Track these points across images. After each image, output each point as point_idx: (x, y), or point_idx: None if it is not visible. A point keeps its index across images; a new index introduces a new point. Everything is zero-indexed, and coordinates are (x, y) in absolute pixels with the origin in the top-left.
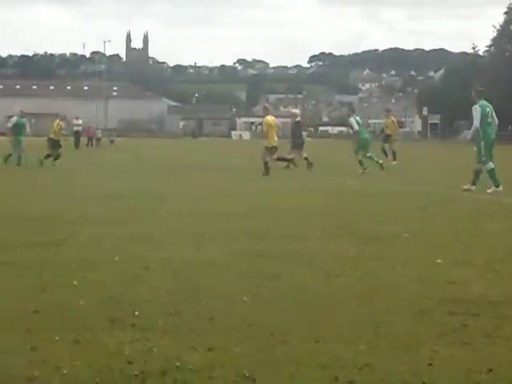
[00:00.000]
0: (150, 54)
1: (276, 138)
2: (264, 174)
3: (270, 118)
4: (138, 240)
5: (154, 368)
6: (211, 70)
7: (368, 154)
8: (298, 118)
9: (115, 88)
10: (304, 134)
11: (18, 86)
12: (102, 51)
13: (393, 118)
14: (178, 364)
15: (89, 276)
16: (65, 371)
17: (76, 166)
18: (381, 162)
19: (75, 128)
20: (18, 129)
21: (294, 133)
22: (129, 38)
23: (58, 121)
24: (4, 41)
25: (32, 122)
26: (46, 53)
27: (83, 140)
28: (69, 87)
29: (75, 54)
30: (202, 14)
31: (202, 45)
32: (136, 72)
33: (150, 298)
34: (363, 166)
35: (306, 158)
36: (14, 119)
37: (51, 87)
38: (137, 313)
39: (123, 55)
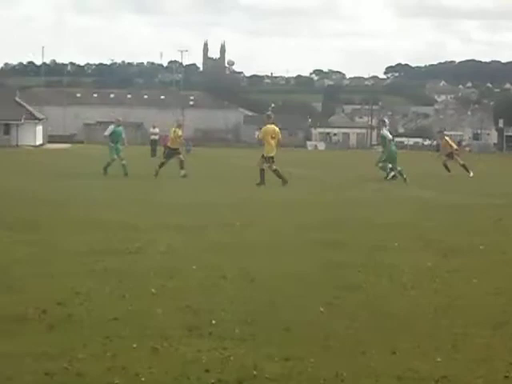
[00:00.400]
0: (227, 64)
1: (275, 148)
2: (259, 183)
3: (269, 127)
4: (216, 249)
5: (231, 377)
6: (287, 80)
7: (398, 168)
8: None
9: (192, 97)
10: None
11: (95, 95)
12: (179, 60)
13: (446, 138)
14: (254, 373)
15: (167, 284)
16: (143, 378)
17: (153, 174)
18: (405, 176)
19: (152, 137)
20: (115, 137)
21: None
22: (206, 48)
23: (174, 128)
24: (82, 49)
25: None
26: (123, 61)
27: (160, 149)
28: (146, 96)
29: (152, 63)
30: (278, 23)
31: (278, 55)
32: (213, 81)
33: (228, 307)
34: (386, 171)
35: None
36: (111, 128)
37: (128, 96)
38: (214, 321)
39: (200, 65)
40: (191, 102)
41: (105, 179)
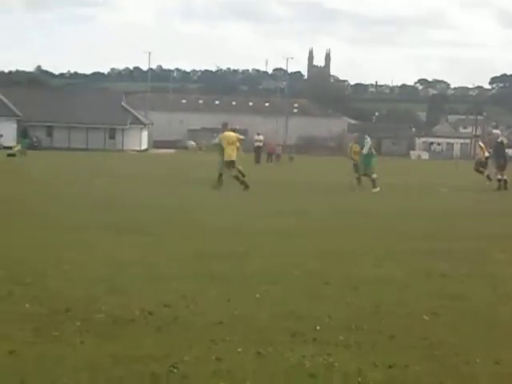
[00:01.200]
0: (332, 72)
1: (234, 153)
2: (216, 186)
3: (226, 134)
4: (319, 255)
5: (335, 383)
6: (392, 89)
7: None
8: (500, 139)
9: (296, 105)
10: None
11: (200, 101)
12: (284, 68)
13: (481, 144)
14: (359, 379)
15: (271, 289)
16: (248, 382)
17: (257, 181)
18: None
19: (256, 144)
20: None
21: (497, 153)
22: (311, 56)
23: (351, 144)
24: (188, 55)
25: (214, 137)
26: (229, 68)
27: (263, 156)
28: (251, 103)
29: (258, 71)
30: (383, 32)
31: (383, 64)
32: (317, 89)
33: (332, 313)
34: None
35: (499, 180)
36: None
37: (233, 103)
38: (318, 327)
39: (305, 72)
40: (295, 110)
41: (208, 185)
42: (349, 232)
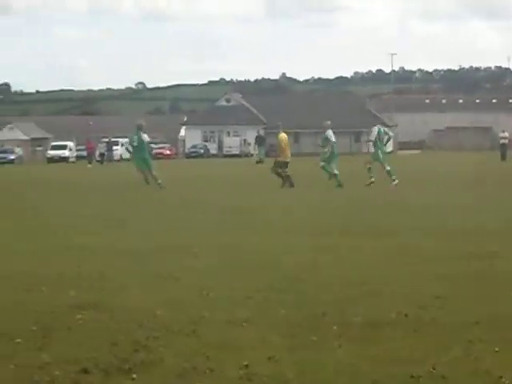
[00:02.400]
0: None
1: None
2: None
3: (284, 135)
4: None
5: None
6: None
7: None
8: None
9: None
10: None
11: (444, 101)
12: None
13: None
14: None
15: None
16: (507, 381)
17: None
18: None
19: (502, 141)
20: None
21: None
22: None
23: None
24: (430, 56)
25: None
26: (471, 66)
27: (510, 153)
28: (494, 100)
29: (500, 67)
30: None
31: None
32: None
33: None
34: (328, 171)
35: None
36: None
37: (477, 101)
38: None
39: None
40: None
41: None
42: None
